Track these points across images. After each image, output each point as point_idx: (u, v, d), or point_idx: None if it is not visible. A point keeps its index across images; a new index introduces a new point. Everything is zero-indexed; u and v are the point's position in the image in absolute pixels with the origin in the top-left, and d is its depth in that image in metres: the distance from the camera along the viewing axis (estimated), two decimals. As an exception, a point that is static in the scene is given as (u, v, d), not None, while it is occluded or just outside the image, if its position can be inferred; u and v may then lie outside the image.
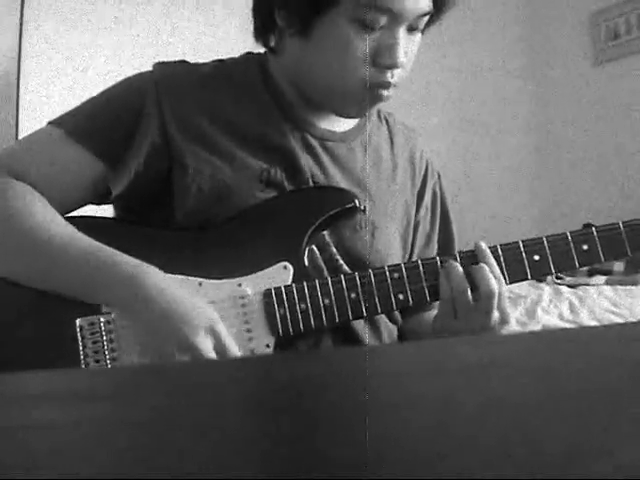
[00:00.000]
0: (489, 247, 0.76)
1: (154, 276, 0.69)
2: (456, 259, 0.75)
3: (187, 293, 0.69)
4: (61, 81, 2.26)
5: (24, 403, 0.28)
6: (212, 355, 0.67)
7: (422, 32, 0.80)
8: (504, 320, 0.75)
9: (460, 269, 0.74)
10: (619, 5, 2.90)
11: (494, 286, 0.73)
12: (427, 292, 0.75)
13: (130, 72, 0.83)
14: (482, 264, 0.74)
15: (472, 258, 0.75)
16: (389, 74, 0.76)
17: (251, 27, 0.84)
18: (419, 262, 0.75)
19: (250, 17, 0.84)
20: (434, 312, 0.89)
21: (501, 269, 0.75)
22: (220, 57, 0.88)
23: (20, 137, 2.18)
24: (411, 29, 0.76)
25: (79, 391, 0.31)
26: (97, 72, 2.23)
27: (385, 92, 0.78)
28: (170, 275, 0.71)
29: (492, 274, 0.73)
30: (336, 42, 0.75)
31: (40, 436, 0.23)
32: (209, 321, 0.68)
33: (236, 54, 0.90)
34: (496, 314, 0.74)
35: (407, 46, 0.76)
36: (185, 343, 0.66)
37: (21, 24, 2.20)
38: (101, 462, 0.20)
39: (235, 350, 0.69)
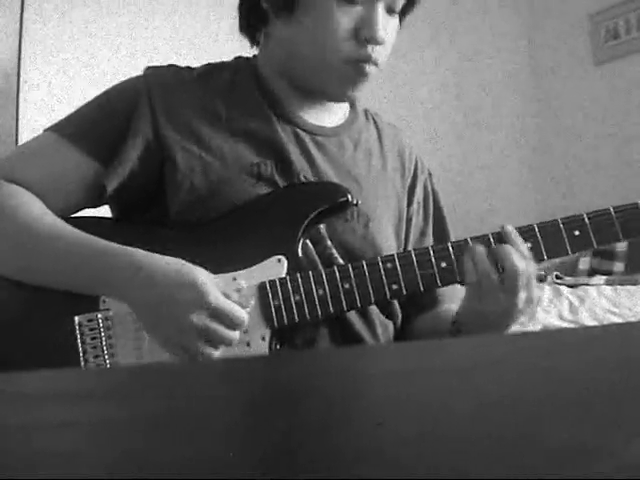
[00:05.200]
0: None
1: (147, 259, 0.70)
2: (480, 241, 0.75)
3: (179, 274, 0.68)
4: (61, 81, 2.26)
5: (24, 403, 0.28)
6: (213, 327, 0.67)
7: (400, 20, 0.84)
8: (530, 300, 0.74)
9: (483, 250, 0.73)
10: (619, 5, 2.90)
11: (519, 265, 0.72)
12: (420, 281, 0.75)
13: (129, 73, 0.85)
14: (505, 244, 0.73)
15: (498, 239, 0.75)
16: (369, 48, 0.78)
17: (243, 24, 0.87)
18: (412, 252, 0.76)
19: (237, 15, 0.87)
20: (445, 307, 0.90)
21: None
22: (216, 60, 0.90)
23: (20, 137, 2.18)
24: (390, 10, 0.80)
25: (79, 391, 0.31)
26: (97, 73, 2.23)
27: (367, 66, 0.79)
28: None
29: (518, 253, 0.73)
30: (318, 16, 0.77)
31: (40, 436, 0.23)
32: (199, 296, 0.67)
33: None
34: (523, 294, 0.73)
35: (386, 24, 0.79)
36: (182, 325, 0.67)
37: (21, 25, 2.20)
38: (100, 462, 0.20)
39: (237, 313, 0.69)
